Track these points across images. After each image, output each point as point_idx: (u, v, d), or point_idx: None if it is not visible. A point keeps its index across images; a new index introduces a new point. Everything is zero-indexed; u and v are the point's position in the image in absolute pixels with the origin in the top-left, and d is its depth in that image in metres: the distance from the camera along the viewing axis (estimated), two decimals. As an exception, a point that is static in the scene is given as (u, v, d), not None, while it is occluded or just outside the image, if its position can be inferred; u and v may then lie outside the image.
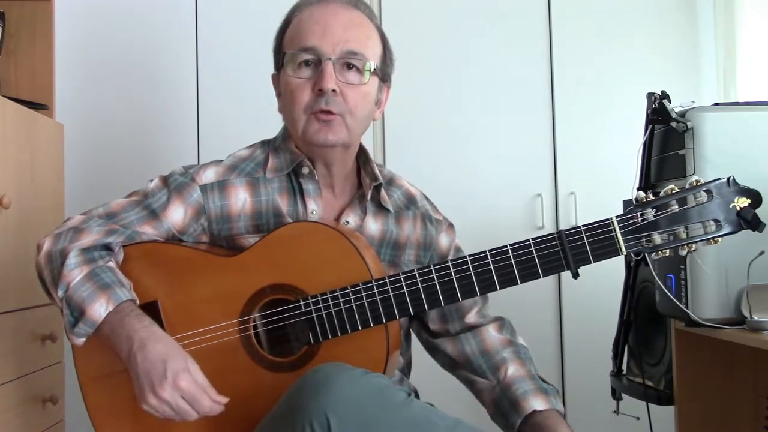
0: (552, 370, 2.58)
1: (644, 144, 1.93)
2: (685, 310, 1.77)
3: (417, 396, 1.51)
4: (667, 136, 1.89)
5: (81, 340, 1.34)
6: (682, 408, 1.91)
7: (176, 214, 1.43)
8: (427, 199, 1.63)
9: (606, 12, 2.66)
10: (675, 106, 1.83)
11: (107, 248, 1.39)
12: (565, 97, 2.63)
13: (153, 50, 2.59)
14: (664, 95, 1.85)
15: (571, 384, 2.58)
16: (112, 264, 1.38)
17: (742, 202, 1.23)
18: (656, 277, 1.86)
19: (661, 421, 2.07)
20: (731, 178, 1.24)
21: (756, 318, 1.66)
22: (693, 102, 1.83)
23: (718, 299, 1.74)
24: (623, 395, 2.08)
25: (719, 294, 1.74)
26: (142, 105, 2.57)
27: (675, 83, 2.52)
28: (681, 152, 1.81)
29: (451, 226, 1.63)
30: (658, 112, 1.85)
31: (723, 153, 1.75)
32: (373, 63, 1.44)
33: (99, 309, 1.32)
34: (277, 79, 1.50)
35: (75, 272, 1.34)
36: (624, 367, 2.10)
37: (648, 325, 2.05)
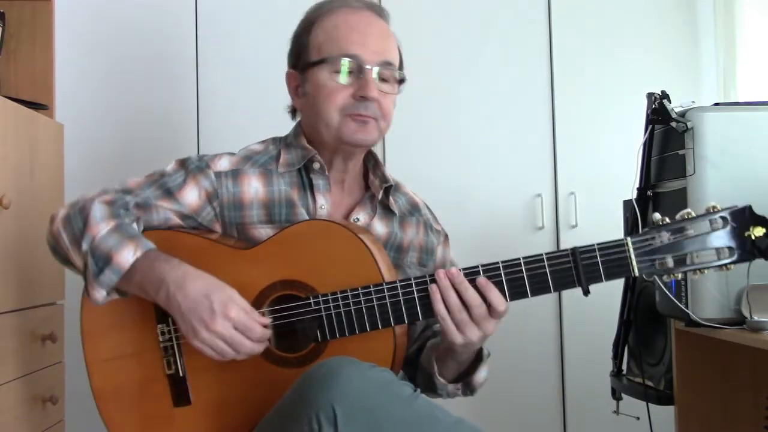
0: (552, 370, 2.59)
1: (644, 144, 1.93)
2: (685, 310, 1.77)
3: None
4: (667, 136, 1.89)
5: (102, 294, 1.35)
6: (682, 408, 1.91)
7: (191, 195, 1.47)
8: (428, 208, 1.67)
9: (606, 12, 2.66)
10: (675, 106, 1.84)
11: (126, 208, 1.42)
12: (565, 97, 2.63)
13: (153, 50, 2.59)
14: (664, 95, 1.85)
15: (571, 384, 2.58)
16: (136, 226, 1.41)
17: (758, 231, 1.24)
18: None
19: (661, 421, 2.07)
20: (748, 207, 1.25)
21: (756, 318, 1.66)
22: (693, 102, 1.83)
23: (718, 299, 1.74)
24: (623, 395, 2.08)
25: (719, 294, 1.74)
26: (142, 105, 2.57)
27: (675, 83, 2.52)
28: (681, 152, 1.81)
29: (446, 238, 1.67)
30: (658, 112, 1.86)
31: (723, 153, 1.75)
32: (401, 73, 1.52)
33: (127, 255, 1.34)
34: (295, 77, 1.53)
35: (102, 225, 1.37)
36: (624, 367, 2.10)
37: (648, 325, 2.05)
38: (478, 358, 1.43)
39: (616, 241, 1.28)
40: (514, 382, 2.52)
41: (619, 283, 2.09)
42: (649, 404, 1.98)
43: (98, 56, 2.57)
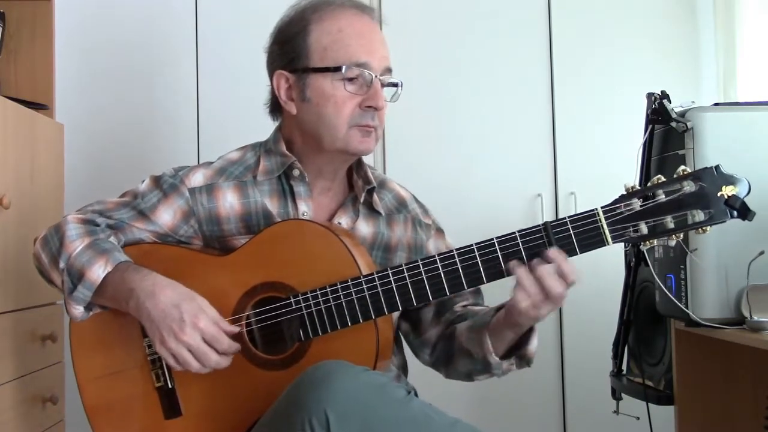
0: (552, 370, 2.58)
1: (644, 144, 1.93)
2: (685, 310, 1.77)
3: (416, 395, 1.52)
4: (667, 136, 1.89)
5: (79, 309, 1.38)
6: (682, 408, 1.91)
7: (165, 215, 1.47)
8: (417, 201, 1.64)
9: (606, 12, 2.66)
10: (675, 106, 1.83)
11: (97, 225, 1.44)
12: (565, 97, 2.63)
13: (153, 50, 2.58)
14: (664, 95, 1.85)
15: (571, 384, 2.58)
16: (113, 240, 1.43)
17: (730, 190, 1.22)
18: (656, 277, 1.86)
19: (661, 421, 2.07)
20: (718, 166, 1.23)
21: (756, 318, 1.66)
22: (693, 102, 1.83)
23: (718, 299, 1.74)
24: (623, 395, 2.08)
25: (719, 294, 1.74)
26: (142, 105, 2.57)
27: (675, 83, 2.52)
28: (681, 152, 1.81)
29: (439, 230, 1.63)
30: (658, 112, 1.86)
31: (723, 153, 1.75)
32: (398, 79, 1.49)
33: (98, 270, 1.36)
34: (288, 80, 1.48)
35: (77, 242, 1.39)
36: (624, 367, 2.10)
37: (648, 325, 2.05)
38: (529, 328, 1.40)
39: (587, 211, 1.27)
40: (513, 382, 2.50)
41: (619, 283, 2.08)
42: (649, 404, 1.98)
43: (98, 56, 2.57)
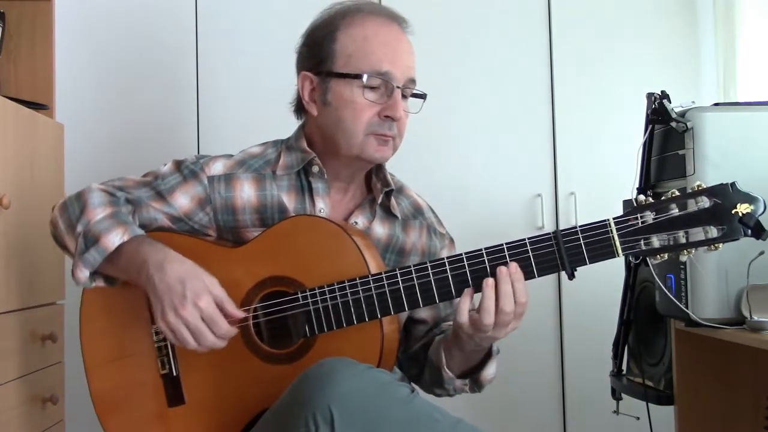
0: (552, 370, 2.59)
1: (644, 144, 1.93)
2: (685, 310, 1.77)
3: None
4: (667, 136, 1.89)
5: (85, 273, 1.38)
6: (682, 408, 1.91)
7: (182, 199, 1.48)
8: (432, 211, 1.66)
9: (606, 12, 2.66)
10: (675, 106, 1.83)
11: (118, 198, 1.46)
12: (565, 97, 2.63)
13: (153, 50, 2.58)
14: (664, 95, 1.85)
15: (571, 384, 2.58)
16: (132, 217, 1.44)
17: (745, 208, 1.20)
18: (656, 277, 1.86)
19: (661, 421, 2.07)
20: (734, 183, 1.22)
21: (756, 318, 1.66)
22: (693, 102, 1.83)
23: (718, 299, 1.74)
24: (623, 395, 2.08)
25: (719, 294, 1.74)
26: (142, 105, 2.57)
27: (675, 83, 2.52)
28: (681, 152, 1.81)
29: (452, 242, 1.65)
30: (658, 112, 1.85)
31: (723, 153, 1.75)
32: (422, 91, 1.51)
33: (114, 238, 1.37)
34: (312, 82, 1.49)
35: (98, 210, 1.40)
36: (624, 367, 2.10)
37: (648, 325, 2.05)
38: (487, 354, 1.42)
39: (598, 222, 1.26)
40: (514, 382, 2.51)
41: (619, 283, 2.08)
42: (649, 404, 1.98)
43: (98, 56, 2.57)
